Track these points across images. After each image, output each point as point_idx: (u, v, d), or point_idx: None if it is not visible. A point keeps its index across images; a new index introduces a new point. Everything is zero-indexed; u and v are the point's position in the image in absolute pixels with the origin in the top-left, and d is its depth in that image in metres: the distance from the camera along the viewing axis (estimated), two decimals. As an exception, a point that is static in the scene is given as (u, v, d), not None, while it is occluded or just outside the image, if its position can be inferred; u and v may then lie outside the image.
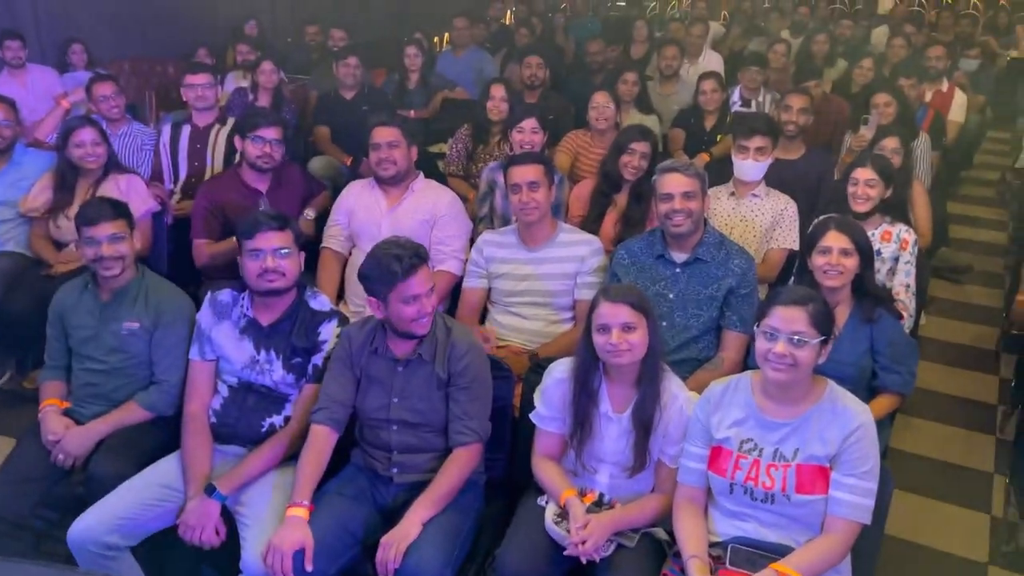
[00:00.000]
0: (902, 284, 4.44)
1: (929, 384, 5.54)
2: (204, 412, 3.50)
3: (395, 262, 3.13)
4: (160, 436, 3.56)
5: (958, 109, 7.73)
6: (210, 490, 3.26)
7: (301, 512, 3.07)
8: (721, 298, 3.83)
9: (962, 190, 9.39)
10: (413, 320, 3.18)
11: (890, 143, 5.27)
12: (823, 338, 2.84)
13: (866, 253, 3.71)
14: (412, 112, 7.41)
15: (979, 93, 9.04)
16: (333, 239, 4.68)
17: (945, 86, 7.81)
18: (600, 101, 5.89)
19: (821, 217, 4.23)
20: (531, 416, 3.29)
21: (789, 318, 2.83)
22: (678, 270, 3.89)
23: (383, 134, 4.53)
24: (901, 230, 4.52)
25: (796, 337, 2.81)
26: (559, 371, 3.22)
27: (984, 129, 9.33)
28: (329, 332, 3.47)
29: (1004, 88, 10.17)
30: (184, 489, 3.32)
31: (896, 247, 4.48)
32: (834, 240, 3.69)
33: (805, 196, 5.16)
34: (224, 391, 3.53)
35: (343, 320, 3.52)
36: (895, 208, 4.62)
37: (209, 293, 3.60)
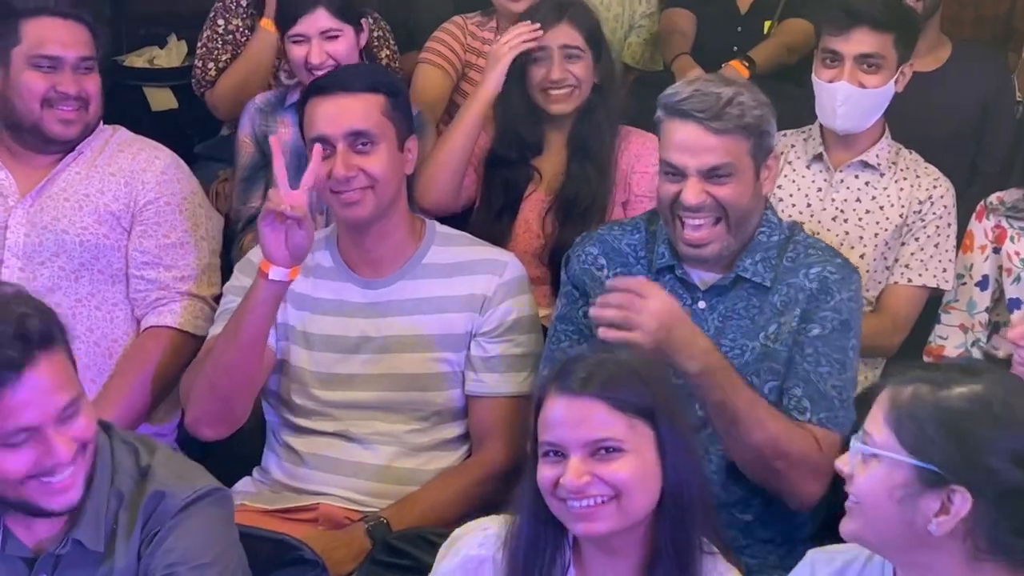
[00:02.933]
0: None
1: None
2: None
3: None
4: None
5: None
6: None
7: None
8: (784, 353, 2.18)
9: None
10: (39, 485, 1.72)
11: None
12: None
13: None
14: None
15: None
16: None
17: None
18: None
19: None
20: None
21: None
22: (702, 304, 2.25)
23: None
24: None
25: None
26: (475, 543, 1.91)
27: None
28: None
29: None
30: None
31: None
32: None
33: (955, 148, 3.13)
34: None
35: None
36: None
37: None
